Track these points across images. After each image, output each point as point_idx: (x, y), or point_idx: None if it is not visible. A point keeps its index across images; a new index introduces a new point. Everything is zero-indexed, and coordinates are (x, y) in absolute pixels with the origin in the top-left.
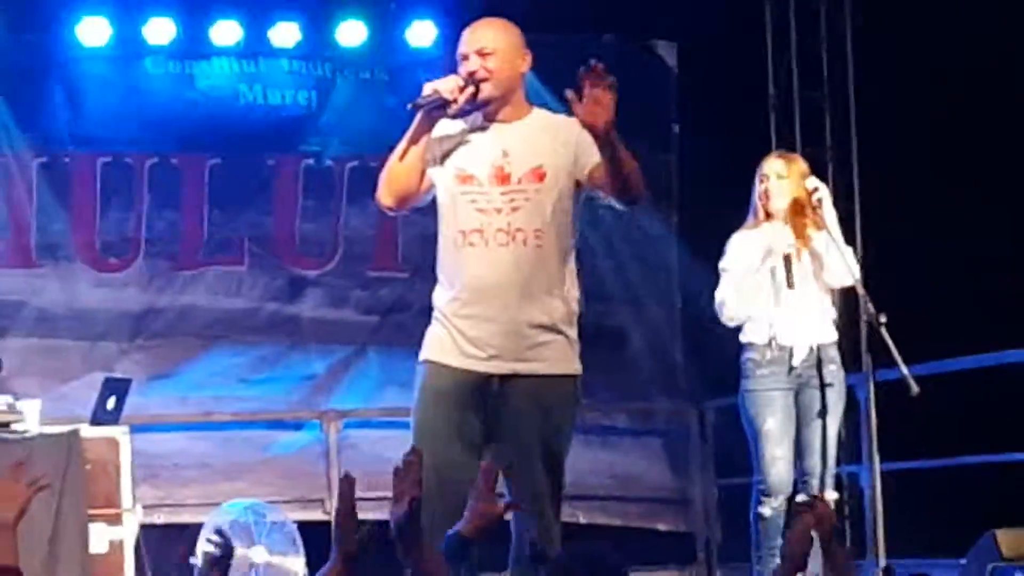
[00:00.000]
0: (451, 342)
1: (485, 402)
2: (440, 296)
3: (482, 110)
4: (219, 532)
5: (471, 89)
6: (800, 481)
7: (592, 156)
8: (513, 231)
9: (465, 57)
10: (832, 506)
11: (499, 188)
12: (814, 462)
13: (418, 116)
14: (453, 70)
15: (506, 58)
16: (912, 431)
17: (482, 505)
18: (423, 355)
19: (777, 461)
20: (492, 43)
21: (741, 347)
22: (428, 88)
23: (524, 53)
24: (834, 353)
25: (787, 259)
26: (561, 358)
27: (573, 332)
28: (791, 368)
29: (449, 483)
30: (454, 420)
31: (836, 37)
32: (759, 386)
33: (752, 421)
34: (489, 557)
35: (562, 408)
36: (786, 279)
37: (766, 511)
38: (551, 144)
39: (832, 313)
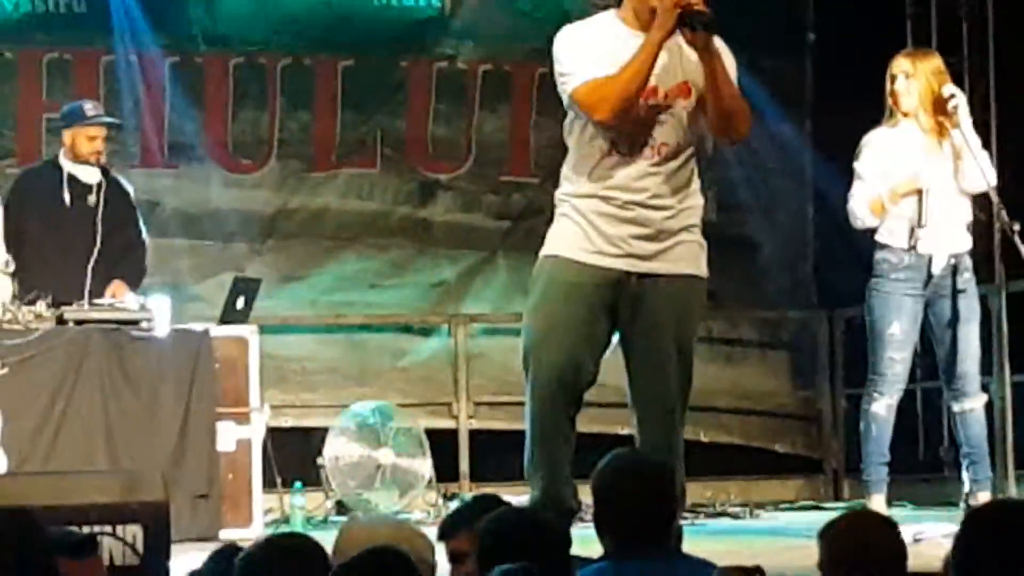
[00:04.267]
0: (585, 238)
1: (617, 301)
2: (575, 193)
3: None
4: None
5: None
6: (954, 388)
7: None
8: (658, 145)
9: None
10: None
11: (647, 102)
12: (967, 367)
13: (667, 30)
14: None
15: None
16: None
17: None
18: (551, 249)
19: (896, 364)
20: None
21: (875, 244)
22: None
23: None
24: (969, 261)
25: (920, 193)
26: (695, 259)
27: (701, 236)
28: (929, 277)
29: (569, 380)
30: (583, 316)
31: None
32: (892, 289)
33: (878, 322)
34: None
35: (695, 308)
36: (917, 217)
37: (880, 409)
38: (694, 63)
39: (969, 219)
